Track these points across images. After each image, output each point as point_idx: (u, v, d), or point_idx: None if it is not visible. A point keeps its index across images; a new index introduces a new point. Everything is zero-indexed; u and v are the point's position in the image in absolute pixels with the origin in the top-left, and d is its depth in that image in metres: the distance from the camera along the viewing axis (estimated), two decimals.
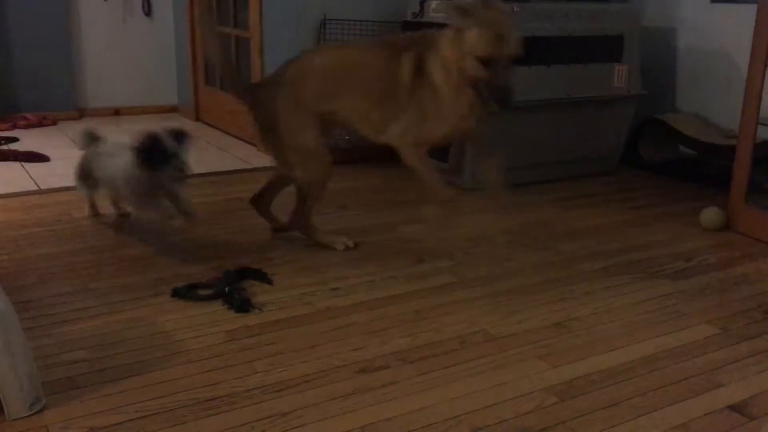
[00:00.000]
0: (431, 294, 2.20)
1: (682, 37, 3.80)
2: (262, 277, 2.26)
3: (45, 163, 3.66)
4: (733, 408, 1.62)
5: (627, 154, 3.80)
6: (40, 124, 4.54)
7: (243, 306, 2.05)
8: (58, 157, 3.74)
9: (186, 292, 2.14)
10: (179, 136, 2.32)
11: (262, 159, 3.90)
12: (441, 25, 3.41)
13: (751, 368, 1.79)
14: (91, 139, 2.69)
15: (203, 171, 3.62)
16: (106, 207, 2.83)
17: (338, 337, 1.91)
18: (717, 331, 1.99)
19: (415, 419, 1.54)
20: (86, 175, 2.67)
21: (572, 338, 1.94)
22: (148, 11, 4.99)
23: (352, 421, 1.53)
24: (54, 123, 4.63)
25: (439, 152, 3.40)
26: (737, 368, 1.78)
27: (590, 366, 1.79)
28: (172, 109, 5.19)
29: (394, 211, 3.00)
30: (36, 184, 3.29)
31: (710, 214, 2.85)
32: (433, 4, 3.44)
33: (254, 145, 4.15)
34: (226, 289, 2.13)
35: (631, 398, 1.64)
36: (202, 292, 2.14)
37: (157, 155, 2.26)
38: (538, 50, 3.31)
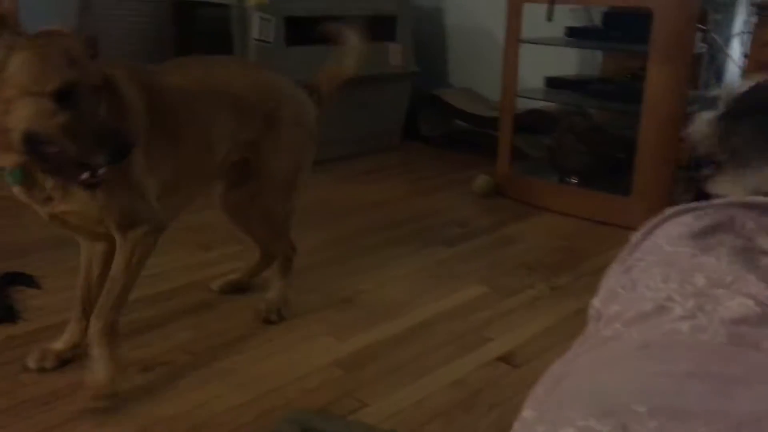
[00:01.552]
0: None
1: (450, 17, 4.04)
2: (28, 281, 2.07)
3: None
4: (501, 359, 1.77)
5: (408, 129, 3.97)
6: None
7: (5, 315, 1.87)
8: None
9: None
10: None
11: None
12: (216, 5, 3.36)
13: (516, 320, 1.96)
14: None
15: None
16: None
17: None
18: (487, 289, 2.15)
19: (201, 413, 1.51)
20: None
21: (358, 311, 2.00)
22: None
23: (133, 423, 1.46)
24: None
25: None
26: (504, 322, 1.95)
27: (374, 336, 1.86)
28: None
29: None
30: None
31: (480, 182, 3.08)
32: None
33: None
34: None
35: (412, 362, 1.74)
36: None
37: None
38: (315, 30, 3.34)
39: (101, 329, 1.50)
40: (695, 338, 0.64)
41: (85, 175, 1.30)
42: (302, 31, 3.37)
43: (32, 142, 1.28)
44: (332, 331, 1.88)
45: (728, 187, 1.81)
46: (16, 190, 1.44)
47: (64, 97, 1.26)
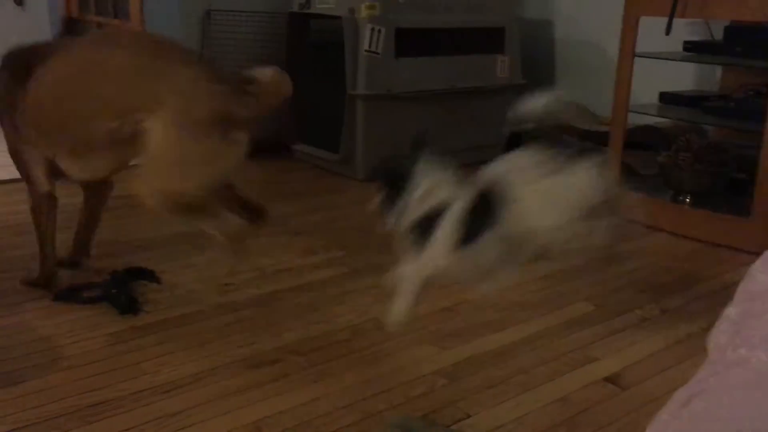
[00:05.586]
0: (323, 285, 2.21)
1: (558, 28, 3.98)
2: (150, 276, 2.20)
3: None
4: (608, 379, 1.72)
5: (512, 141, 3.93)
6: None
7: (129, 307, 1.99)
8: None
9: (69, 296, 2.06)
10: None
11: None
12: (329, 17, 3.45)
13: (624, 341, 1.91)
14: None
15: None
16: None
17: (229, 333, 1.89)
18: (593, 307, 2.11)
19: (307, 411, 1.55)
20: None
21: (461, 321, 2.00)
22: (19, 0, 4.71)
23: (243, 417, 1.52)
24: None
25: (329, 141, 3.45)
26: (610, 342, 1.90)
27: (477, 347, 1.85)
28: None
29: (284, 203, 2.98)
30: None
31: None
32: None
33: None
34: (113, 290, 2.06)
35: (515, 376, 1.72)
36: (87, 295, 2.06)
37: None
38: (424, 41, 3.38)
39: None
40: None
41: None
42: (411, 42, 3.42)
43: None
44: (435, 340, 1.89)
45: None
46: None
47: None
